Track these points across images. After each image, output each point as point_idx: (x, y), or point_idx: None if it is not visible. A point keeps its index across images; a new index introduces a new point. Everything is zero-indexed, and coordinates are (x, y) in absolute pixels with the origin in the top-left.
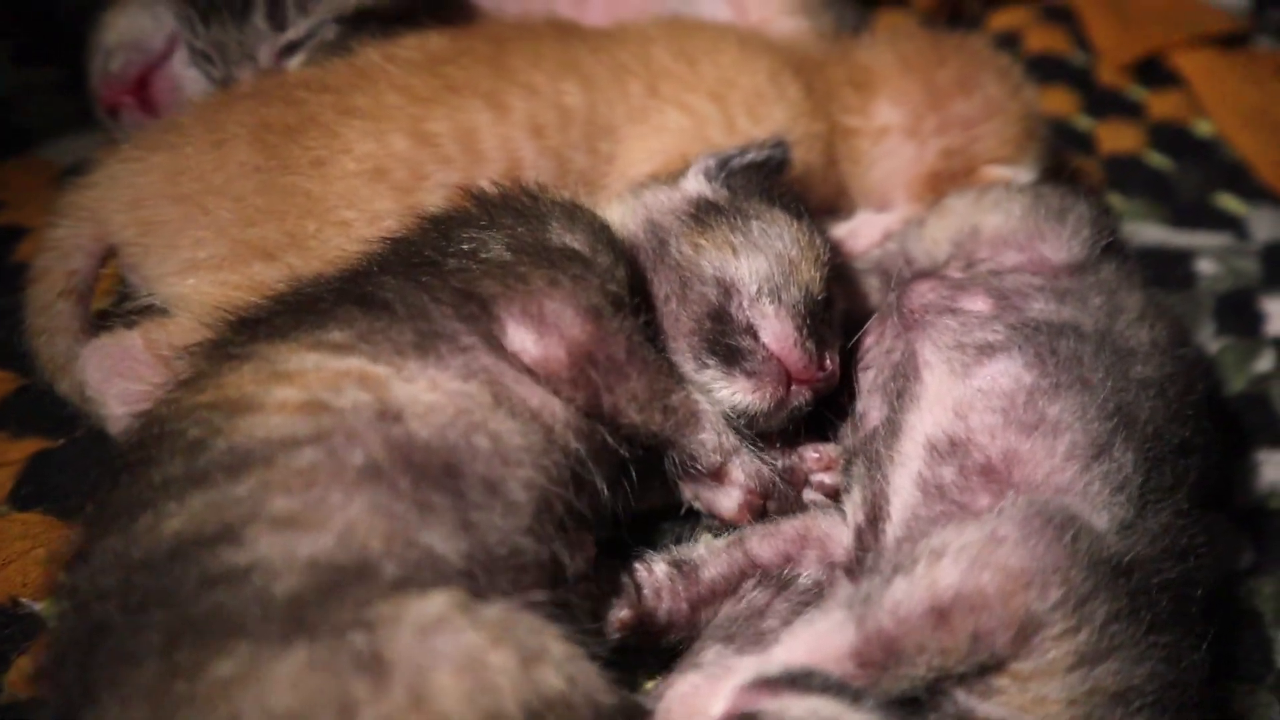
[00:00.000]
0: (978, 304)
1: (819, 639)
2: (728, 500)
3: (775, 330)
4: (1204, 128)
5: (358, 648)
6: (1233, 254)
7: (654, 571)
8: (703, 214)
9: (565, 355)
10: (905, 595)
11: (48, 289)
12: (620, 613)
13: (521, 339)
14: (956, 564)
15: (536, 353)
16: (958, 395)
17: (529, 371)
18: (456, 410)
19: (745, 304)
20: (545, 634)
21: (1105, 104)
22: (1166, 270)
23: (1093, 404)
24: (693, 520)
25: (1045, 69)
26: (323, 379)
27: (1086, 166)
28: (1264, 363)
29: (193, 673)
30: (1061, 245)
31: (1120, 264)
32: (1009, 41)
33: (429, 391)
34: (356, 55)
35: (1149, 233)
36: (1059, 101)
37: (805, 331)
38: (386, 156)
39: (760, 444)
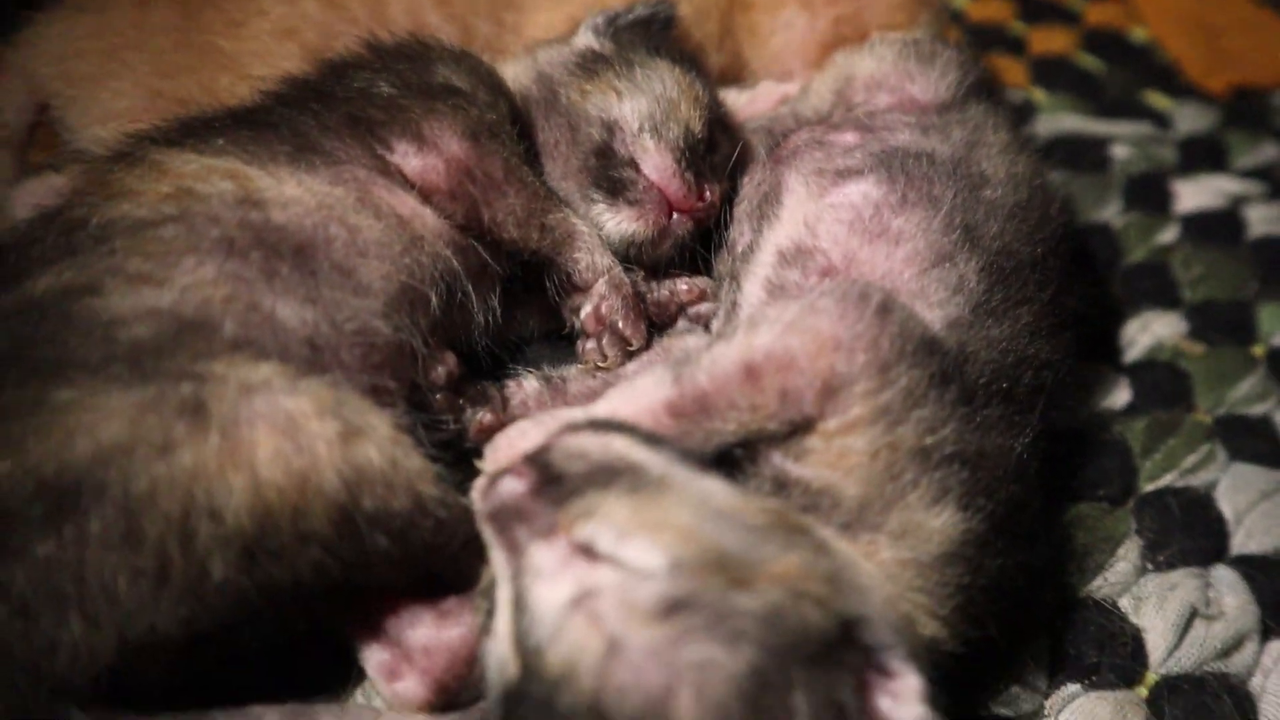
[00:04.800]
0: (845, 137)
1: (638, 392)
2: (586, 309)
3: (655, 162)
4: (1139, 34)
5: (184, 395)
6: (1151, 141)
7: (523, 385)
8: (590, 64)
9: (444, 168)
10: (721, 355)
11: None
12: (483, 416)
13: (404, 153)
14: (771, 329)
15: (416, 165)
16: (810, 210)
17: (406, 185)
18: (318, 204)
19: (628, 140)
20: (373, 414)
21: (1041, 11)
22: (1080, 154)
23: (938, 218)
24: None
25: None
26: (194, 173)
27: (1013, 66)
28: (1167, 235)
29: (38, 399)
30: (929, 86)
31: (990, 107)
32: None
33: (294, 188)
34: None
35: (1067, 121)
36: (994, 9)
37: (684, 163)
38: (298, 18)
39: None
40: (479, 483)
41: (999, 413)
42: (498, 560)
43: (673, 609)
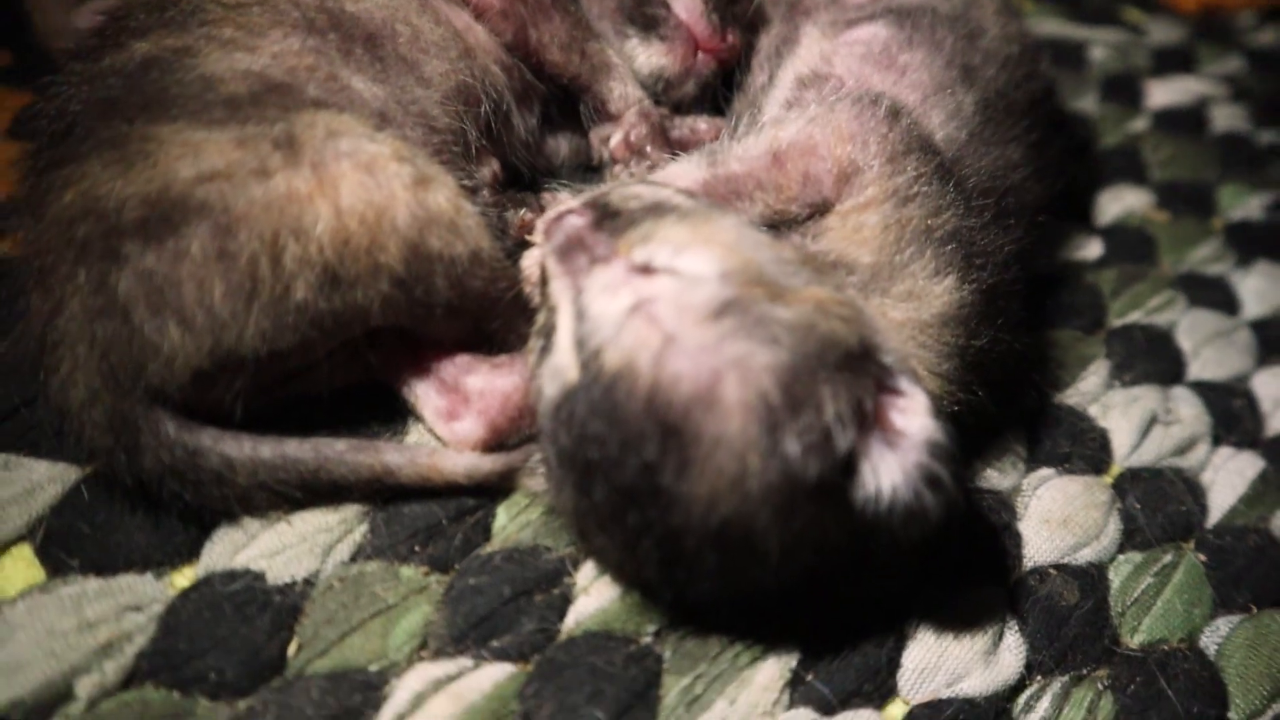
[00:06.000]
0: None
1: (674, 173)
2: (616, 136)
3: (685, 3)
4: None
5: (277, 133)
6: (1127, 46)
7: (557, 197)
8: None
9: None
10: (751, 144)
11: None
12: (524, 214)
13: None
14: (795, 123)
15: None
16: (825, 48)
17: (461, 2)
18: (383, 3)
19: None
20: (440, 169)
21: None
22: (1062, 54)
23: (940, 57)
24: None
25: None
26: None
27: None
28: (1139, 124)
29: (146, 132)
30: None
31: None
32: None
33: None
34: None
35: (1049, 25)
36: None
37: (710, 5)
38: None
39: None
40: (529, 252)
41: (991, 214)
42: (559, 288)
43: (722, 310)
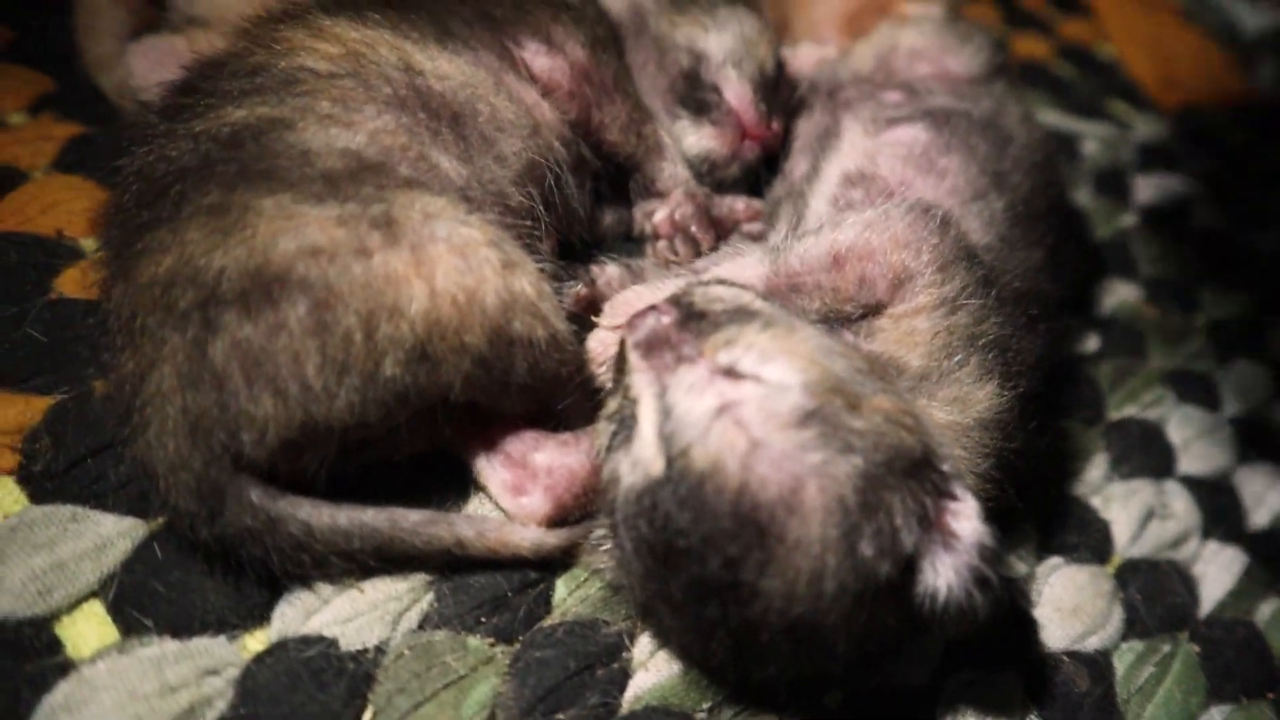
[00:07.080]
0: (892, 95)
1: (739, 267)
2: (661, 213)
3: (736, 90)
4: (1106, 51)
5: (376, 213)
6: (1115, 141)
7: (605, 269)
8: (677, 1)
9: (568, 69)
10: (811, 245)
11: None
12: (579, 289)
13: (534, 51)
14: (854, 228)
15: (545, 64)
16: (868, 146)
17: (530, 79)
18: (465, 82)
19: (713, 69)
20: (523, 253)
21: (1022, 20)
22: (1057, 146)
23: (974, 163)
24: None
25: None
26: (360, 39)
27: None
28: (1127, 219)
29: (247, 201)
30: (964, 61)
31: (1010, 85)
32: None
33: (446, 65)
34: None
35: (1045, 116)
36: (983, 14)
37: (759, 95)
38: None
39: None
40: (595, 333)
41: (1025, 320)
42: (642, 382)
43: (805, 419)
